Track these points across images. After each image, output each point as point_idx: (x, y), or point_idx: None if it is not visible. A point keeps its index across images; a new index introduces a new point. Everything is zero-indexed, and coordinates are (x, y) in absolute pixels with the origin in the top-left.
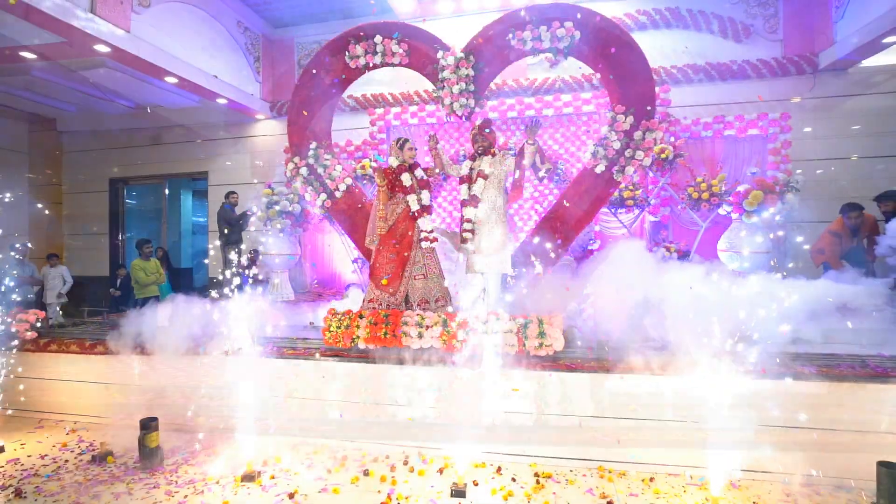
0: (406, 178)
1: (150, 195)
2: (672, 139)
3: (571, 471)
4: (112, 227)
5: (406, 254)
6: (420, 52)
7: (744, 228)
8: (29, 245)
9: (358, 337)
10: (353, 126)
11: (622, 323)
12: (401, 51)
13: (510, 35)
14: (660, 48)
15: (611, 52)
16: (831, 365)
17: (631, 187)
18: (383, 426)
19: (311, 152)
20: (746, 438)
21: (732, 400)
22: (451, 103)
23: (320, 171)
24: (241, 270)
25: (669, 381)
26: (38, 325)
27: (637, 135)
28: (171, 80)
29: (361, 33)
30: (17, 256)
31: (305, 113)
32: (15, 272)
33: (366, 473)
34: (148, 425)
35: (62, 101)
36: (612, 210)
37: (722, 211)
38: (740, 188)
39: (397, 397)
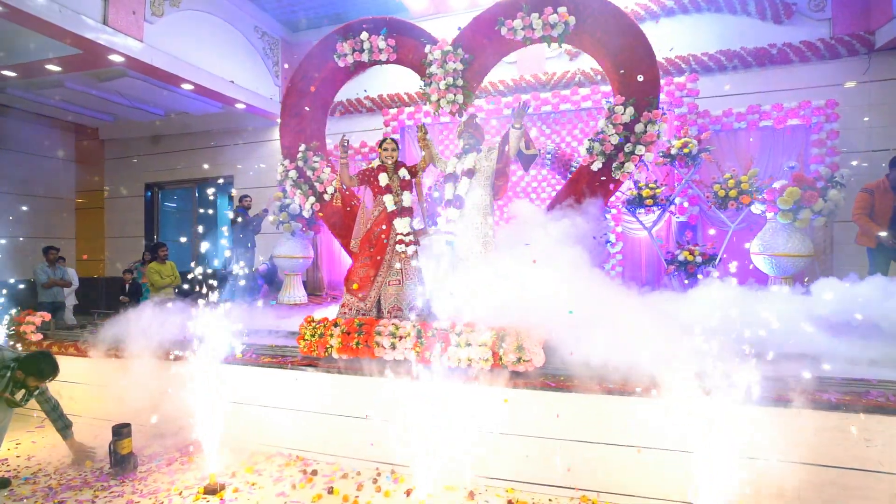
0: (383, 178)
1: (183, 199)
2: (695, 131)
3: (551, 500)
4: (147, 230)
5: (379, 258)
6: (407, 47)
7: (780, 229)
8: (58, 248)
9: (331, 346)
10: (368, 127)
11: (609, 339)
12: (387, 47)
13: (500, 24)
14: (689, 34)
15: (609, 37)
16: (860, 392)
17: (652, 185)
18: (356, 441)
19: (299, 155)
20: (753, 473)
21: (740, 429)
22: (438, 100)
23: (309, 173)
24: (253, 273)
25: (665, 404)
26: (32, 327)
27: (638, 127)
28: (187, 86)
29: (349, 31)
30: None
31: (297, 114)
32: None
33: (330, 491)
34: (119, 432)
35: (99, 111)
36: (631, 210)
37: (755, 210)
38: (775, 184)
39: (369, 411)
